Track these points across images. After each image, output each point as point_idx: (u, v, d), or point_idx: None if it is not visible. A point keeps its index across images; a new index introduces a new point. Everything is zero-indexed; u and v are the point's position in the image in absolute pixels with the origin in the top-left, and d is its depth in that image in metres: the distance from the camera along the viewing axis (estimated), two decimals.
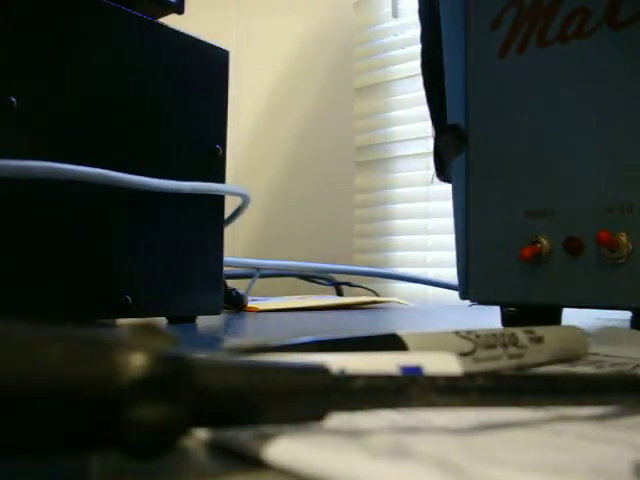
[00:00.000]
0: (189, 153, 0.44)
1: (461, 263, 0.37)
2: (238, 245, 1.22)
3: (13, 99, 0.34)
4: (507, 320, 0.36)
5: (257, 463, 0.11)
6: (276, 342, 0.16)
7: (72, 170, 0.35)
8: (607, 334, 0.28)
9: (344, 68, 1.27)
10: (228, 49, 0.48)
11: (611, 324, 0.40)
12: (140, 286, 0.40)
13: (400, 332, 0.18)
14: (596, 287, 0.31)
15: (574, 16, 0.33)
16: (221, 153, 0.46)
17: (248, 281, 0.64)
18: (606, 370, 0.21)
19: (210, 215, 0.45)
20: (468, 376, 0.13)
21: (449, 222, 0.38)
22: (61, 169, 0.34)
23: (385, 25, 1.25)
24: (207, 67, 0.46)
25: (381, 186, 1.24)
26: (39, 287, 0.35)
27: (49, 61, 0.36)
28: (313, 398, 0.12)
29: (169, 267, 0.42)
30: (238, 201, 0.50)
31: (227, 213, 0.49)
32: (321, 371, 0.12)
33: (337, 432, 0.12)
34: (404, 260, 1.19)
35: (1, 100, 0.34)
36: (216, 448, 0.12)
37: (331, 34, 1.27)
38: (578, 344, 0.23)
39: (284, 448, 0.11)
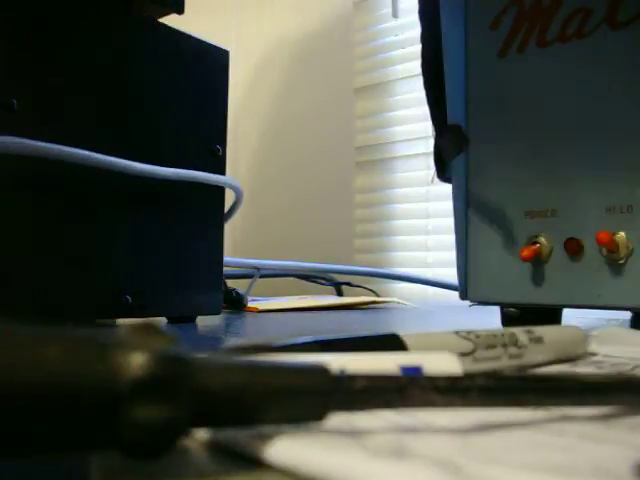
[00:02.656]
0: (189, 153, 0.44)
1: (461, 263, 0.37)
2: (238, 245, 1.22)
3: (14, 101, 0.34)
4: (507, 320, 0.36)
5: (257, 463, 0.11)
6: (276, 342, 0.16)
7: (43, 147, 0.34)
8: (607, 334, 0.28)
9: (344, 68, 1.27)
10: (228, 49, 0.48)
11: (611, 324, 0.40)
12: (140, 286, 0.40)
13: (400, 332, 0.18)
14: (596, 287, 0.31)
15: (574, 16, 0.33)
16: (221, 153, 0.46)
17: (248, 281, 0.64)
18: (606, 370, 0.21)
19: (210, 215, 0.45)
20: (468, 376, 0.13)
21: (449, 222, 0.38)
22: (42, 146, 0.34)
23: (385, 25, 1.25)
24: (207, 67, 0.46)
25: (381, 186, 1.24)
26: (39, 287, 0.35)
27: (49, 62, 0.36)
28: (313, 398, 0.12)
29: (169, 267, 0.42)
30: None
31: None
32: (321, 371, 0.12)
33: (337, 432, 0.12)
34: (404, 260, 1.19)
35: (2, 102, 0.34)
36: (216, 448, 0.12)
37: (331, 34, 1.27)
38: (578, 344, 0.23)
39: (284, 448, 0.11)
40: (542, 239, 0.33)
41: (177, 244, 0.43)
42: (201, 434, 0.12)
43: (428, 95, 0.52)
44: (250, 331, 0.41)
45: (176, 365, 0.10)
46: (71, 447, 0.10)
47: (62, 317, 0.36)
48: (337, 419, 0.12)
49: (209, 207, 0.45)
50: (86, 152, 0.36)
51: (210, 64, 0.46)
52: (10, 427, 0.09)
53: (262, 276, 0.67)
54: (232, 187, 0.48)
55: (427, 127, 1.05)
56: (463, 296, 0.37)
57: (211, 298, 0.46)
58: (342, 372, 0.12)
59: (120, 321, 0.41)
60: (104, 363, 0.10)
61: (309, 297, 0.74)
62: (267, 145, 1.36)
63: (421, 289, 1.02)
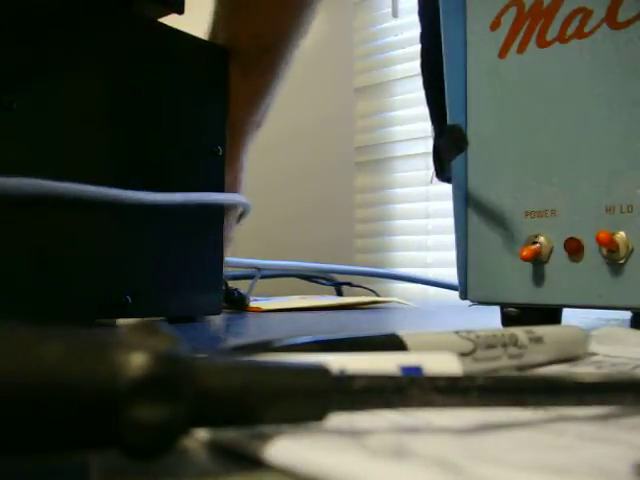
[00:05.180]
0: (189, 153, 0.44)
1: (461, 263, 0.37)
2: (239, 245, 1.22)
3: (13, 101, 0.34)
4: (507, 320, 0.36)
5: (257, 463, 0.11)
6: (276, 342, 0.16)
7: (64, 187, 0.35)
8: (607, 334, 0.28)
9: (344, 68, 1.27)
10: None
11: (611, 324, 0.40)
12: (140, 286, 0.40)
13: (400, 332, 0.18)
14: (596, 287, 0.31)
15: (574, 16, 0.33)
16: (221, 153, 0.46)
17: (249, 281, 0.64)
18: (606, 370, 0.21)
19: (210, 215, 0.45)
20: (468, 376, 0.13)
21: (449, 222, 0.38)
22: (51, 186, 0.34)
23: (385, 25, 1.25)
24: (207, 67, 0.46)
25: (381, 186, 1.24)
26: (39, 287, 0.35)
27: (49, 62, 0.36)
28: (313, 398, 0.12)
29: (169, 267, 0.42)
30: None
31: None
32: (321, 371, 0.12)
33: (337, 432, 0.12)
34: (404, 260, 1.19)
35: (1, 102, 0.34)
36: (216, 448, 0.12)
37: (331, 34, 1.27)
38: (578, 344, 0.23)
39: (284, 448, 0.11)
40: (542, 239, 0.33)
41: (177, 244, 0.43)
42: (201, 434, 0.12)
43: (428, 95, 0.52)
44: (250, 331, 0.41)
45: (176, 365, 0.10)
46: (71, 447, 0.10)
47: (62, 317, 0.36)
48: (337, 419, 0.12)
49: (210, 207, 0.45)
50: (99, 188, 0.36)
51: (210, 64, 0.46)
52: (10, 427, 0.09)
53: (263, 276, 0.67)
54: (242, 204, 0.49)
55: (427, 127, 1.05)
56: (463, 296, 0.37)
57: (211, 298, 0.46)
58: (342, 372, 0.12)
59: (120, 321, 0.41)
60: (104, 363, 0.10)
61: (309, 297, 0.74)
62: (266, 144, 1.36)
63: (421, 289, 1.02)
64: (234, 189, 0.50)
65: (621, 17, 0.31)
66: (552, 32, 0.33)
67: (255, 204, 0.51)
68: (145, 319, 0.11)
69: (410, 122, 1.18)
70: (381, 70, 1.24)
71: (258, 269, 0.66)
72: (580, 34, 0.32)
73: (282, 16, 0.49)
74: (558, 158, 0.33)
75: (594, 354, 0.24)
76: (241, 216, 0.52)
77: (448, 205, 0.38)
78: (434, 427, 0.13)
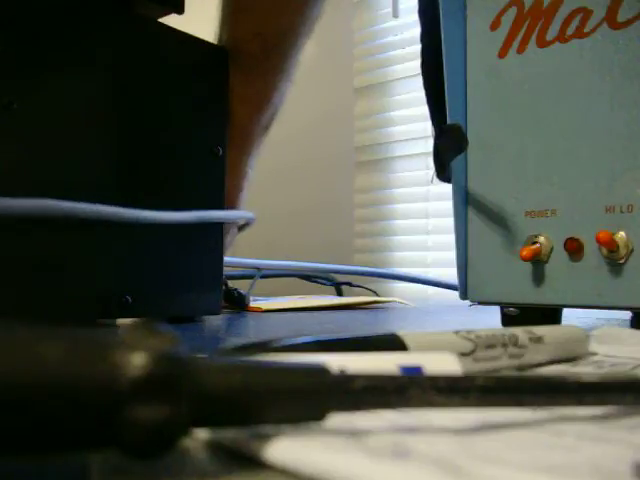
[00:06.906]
0: (189, 154, 0.44)
1: (461, 263, 0.37)
2: (239, 245, 1.22)
3: (13, 101, 0.34)
4: (507, 320, 0.36)
5: (257, 463, 0.11)
6: (276, 342, 0.16)
7: (72, 207, 0.35)
8: (607, 334, 0.28)
9: (344, 68, 1.27)
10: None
11: (611, 324, 0.40)
12: (140, 286, 0.40)
13: (400, 332, 0.18)
14: (596, 287, 0.31)
15: (574, 16, 0.33)
16: (221, 153, 0.46)
17: (249, 281, 0.64)
18: (606, 370, 0.21)
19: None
20: (468, 376, 0.13)
21: (449, 222, 0.38)
22: (58, 206, 0.34)
23: (385, 25, 1.25)
24: (207, 67, 0.46)
25: (381, 186, 1.24)
26: (40, 287, 0.35)
27: (49, 62, 0.36)
28: (313, 398, 0.12)
29: (169, 267, 0.42)
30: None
31: None
32: (321, 371, 0.12)
33: (337, 432, 0.12)
34: (404, 260, 1.19)
35: (1, 102, 0.34)
36: (216, 448, 0.12)
37: (331, 34, 1.27)
38: (578, 344, 0.23)
39: (284, 448, 0.11)
40: (542, 239, 0.33)
41: (177, 245, 0.43)
42: (201, 434, 0.12)
43: (428, 95, 0.52)
44: (250, 331, 0.41)
45: (176, 365, 0.10)
46: (71, 447, 0.10)
47: (62, 317, 0.36)
48: (337, 419, 0.12)
49: (209, 207, 0.45)
50: (114, 208, 0.37)
51: (210, 64, 0.46)
52: (10, 427, 0.09)
53: (263, 276, 0.67)
54: (247, 219, 0.49)
55: (426, 127, 1.05)
56: (463, 296, 0.37)
57: (211, 298, 0.46)
58: (342, 372, 0.12)
59: (120, 321, 0.41)
60: (104, 363, 0.10)
61: (309, 297, 0.74)
62: (266, 144, 1.36)
63: (421, 289, 1.02)
64: (233, 195, 0.50)
65: (621, 17, 0.31)
66: (552, 32, 0.33)
67: (255, 204, 0.51)
68: (145, 319, 0.11)
69: (410, 122, 1.18)
70: (381, 70, 1.24)
71: (258, 269, 0.66)
72: (580, 34, 0.32)
73: (285, 14, 0.49)
74: (558, 158, 0.33)
75: (594, 354, 0.24)
76: (244, 226, 0.52)
77: (448, 205, 0.38)
78: (434, 427, 0.13)
